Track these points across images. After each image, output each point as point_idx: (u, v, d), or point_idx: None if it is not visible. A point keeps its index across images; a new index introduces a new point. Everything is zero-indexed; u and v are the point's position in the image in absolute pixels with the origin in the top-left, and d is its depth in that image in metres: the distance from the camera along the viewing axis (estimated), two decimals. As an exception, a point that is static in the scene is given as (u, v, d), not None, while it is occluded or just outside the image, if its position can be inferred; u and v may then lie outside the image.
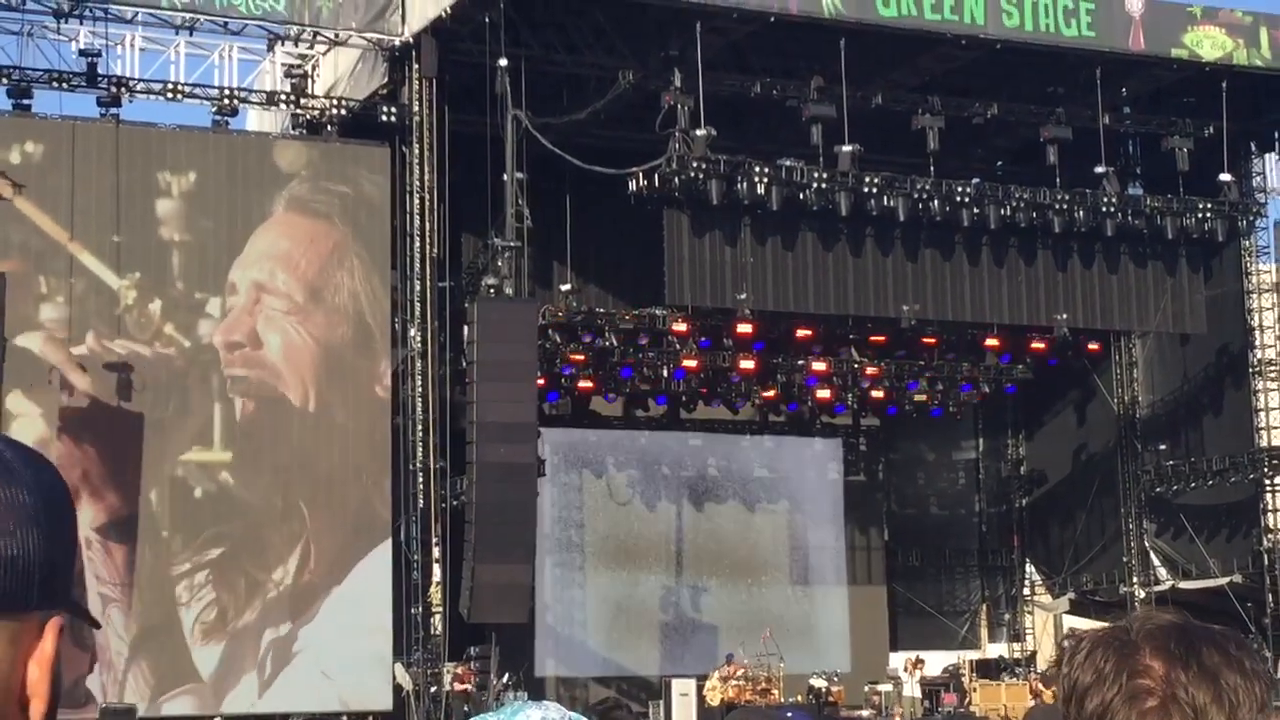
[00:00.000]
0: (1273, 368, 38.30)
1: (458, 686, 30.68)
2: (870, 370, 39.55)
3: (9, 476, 1.58)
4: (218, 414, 30.81)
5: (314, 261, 31.55)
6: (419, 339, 31.63)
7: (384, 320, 31.89)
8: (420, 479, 31.21)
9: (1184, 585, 38.68)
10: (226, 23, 31.58)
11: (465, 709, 29.99)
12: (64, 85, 31.30)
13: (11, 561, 1.56)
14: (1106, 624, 2.29)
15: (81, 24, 31.46)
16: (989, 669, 38.50)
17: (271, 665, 30.29)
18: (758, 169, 32.52)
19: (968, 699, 35.16)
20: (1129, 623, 2.21)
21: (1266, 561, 37.79)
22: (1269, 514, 38.11)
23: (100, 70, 31.43)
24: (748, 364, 38.27)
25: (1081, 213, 34.85)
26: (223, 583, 30.25)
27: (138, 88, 31.92)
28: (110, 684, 29.15)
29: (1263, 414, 38.18)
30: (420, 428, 31.37)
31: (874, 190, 33.31)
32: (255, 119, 35.43)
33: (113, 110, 31.28)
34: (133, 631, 29.65)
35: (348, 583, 30.86)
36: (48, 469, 1.63)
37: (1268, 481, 38.04)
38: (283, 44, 34.05)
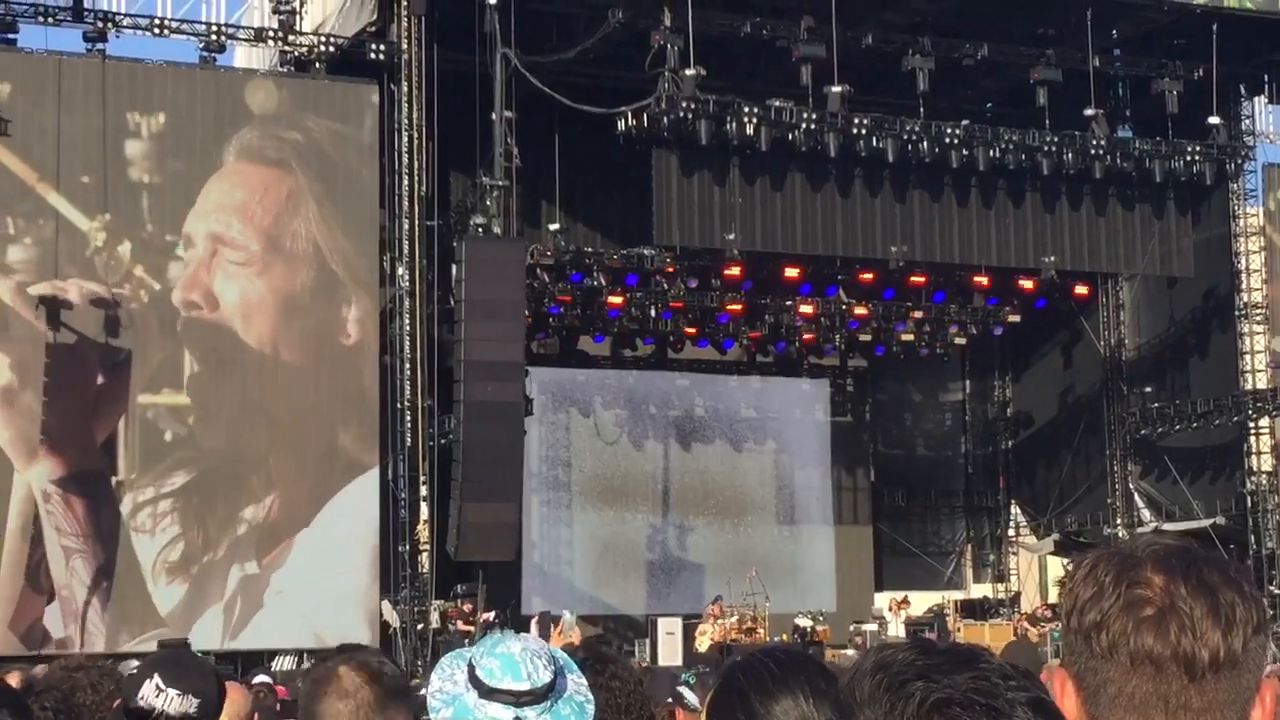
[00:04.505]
0: (1259, 311, 38.35)
1: (462, 626, 30.69)
2: (858, 311, 39.56)
3: None
4: (186, 359, 30.44)
5: (270, 210, 31.11)
6: (407, 277, 31.59)
7: (346, 267, 31.42)
8: (408, 417, 31.24)
9: (1168, 527, 38.78)
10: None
11: (465, 643, 30.01)
12: (49, 19, 31.00)
13: None
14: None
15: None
16: (973, 609, 38.68)
17: (242, 606, 30.05)
18: (747, 109, 32.43)
19: (951, 639, 35.32)
20: (1134, 543, 2.25)
21: (1250, 504, 37.97)
22: (1252, 456, 38.25)
23: (86, 5, 31.17)
24: (735, 304, 38.30)
25: (1070, 155, 34.80)
26: (188, 523, 29.95)
27: (124, 23, 31.62)
28: (74, 630, 28.93)
29: (1248, 357, 38.25)
30: (408, 366, 31.37)
31: (863, 131, 33.23)
32: (243, 56, 35.21)
33: (99, 46, 31.00)
34: (92, 574, 29.35)
35: (318, 526, 30.55)
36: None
37: (1251, 424, 38.16)
38: (271, -21, 33.79)
